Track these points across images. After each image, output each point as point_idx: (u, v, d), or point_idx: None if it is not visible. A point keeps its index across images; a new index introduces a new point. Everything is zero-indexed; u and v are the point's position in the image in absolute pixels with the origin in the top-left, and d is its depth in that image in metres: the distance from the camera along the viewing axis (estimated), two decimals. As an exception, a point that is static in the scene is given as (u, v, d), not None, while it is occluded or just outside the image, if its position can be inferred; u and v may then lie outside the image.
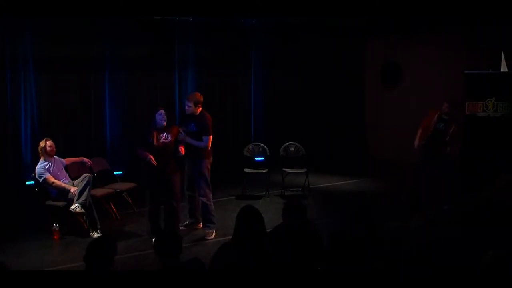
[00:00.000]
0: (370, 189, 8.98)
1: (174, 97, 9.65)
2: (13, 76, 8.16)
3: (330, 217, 6.90)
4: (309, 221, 4.23)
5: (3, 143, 8.18)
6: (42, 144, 6.54)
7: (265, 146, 8.78)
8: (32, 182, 7.04)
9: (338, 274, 3.40)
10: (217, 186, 6.89)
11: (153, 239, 5.48)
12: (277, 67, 10.61)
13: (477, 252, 3.32)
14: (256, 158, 8.96)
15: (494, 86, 7.90)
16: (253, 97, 10.57)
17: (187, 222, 6.65)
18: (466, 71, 8.17)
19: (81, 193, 6.29)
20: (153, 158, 5.91)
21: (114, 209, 7.16)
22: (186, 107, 6.29)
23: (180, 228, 6.37)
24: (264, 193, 8.33)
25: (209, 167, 6.40)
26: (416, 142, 7.61)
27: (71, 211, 6.24)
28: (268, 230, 3.94)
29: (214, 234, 6.39)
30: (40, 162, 6.51)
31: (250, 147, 8.86)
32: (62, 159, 6.79)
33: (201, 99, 6.27)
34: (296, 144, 8.84)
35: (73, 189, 6.35)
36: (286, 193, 8.36)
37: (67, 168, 6.82)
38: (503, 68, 8.02)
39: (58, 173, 6.58)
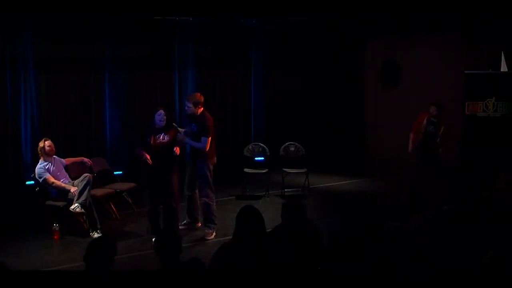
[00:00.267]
0: (370, 189, 8.98)
1: (174, 97, 9.66)
2: (13, 76, 8.17)
3: (330, 217, 6.90)
4: (309, 221, 4.24)
5: (3, 143, 8.18)
6: (41, 144, 6.54)
7: (265, 146, 8.78)
8: (32, 182, 7.04)
9: (338, 274, 3.40)
10: (217, 186, 6.87)
11: (153, 239, 5.51)
12: (277, 67, 10.61)
13: (477, 252, 3.32)
14: (256, 158, 8.96)
15: (494, 86, 7.90)
16: (253, 97, 10.57)
17: (185, 222, 6.65)
18: (466, 71, 8.17)
19: (81, 193, 6.29)
20: (149, 158, 5.91)
21: (114, 209, 7.16)
22: (186, 108, 6.28)
23: (179, 227, 6.37)
24: (264, 193, 8.33)
25: (211, 167, 6.38)
26: (410, 147, 7.72)
27: (71, 211, 6.24)
28: (268, 230, 3.93)
29: (214, 234, 6.39)
30: (40, 162, 6.51)
31: (250, 147, 8.86)
32: (62, 159, 6.79)
33: (202, 99, 6.25)
34: (296, 144, 8.84)
35: (73, 189, 6.35)
36: (286, 193, 8.36)
37: (67, 168, 6.82)
38: (503, 68, 8.02)
39: (58, 173, 6.58)
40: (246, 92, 10.53)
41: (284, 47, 10.61)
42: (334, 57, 11.02)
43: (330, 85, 11.07)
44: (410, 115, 9.97)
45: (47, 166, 6.49)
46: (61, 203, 6.42)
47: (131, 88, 9.26)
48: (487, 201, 5.55)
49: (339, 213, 7.17)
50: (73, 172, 6.86)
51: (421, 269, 3.56)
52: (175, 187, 6.18)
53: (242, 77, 10.48)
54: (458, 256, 3.78)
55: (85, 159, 6.97)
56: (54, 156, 6.63)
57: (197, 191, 6.54)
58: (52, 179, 6.42)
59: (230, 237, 3.79)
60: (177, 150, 6.00)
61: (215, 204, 6.47)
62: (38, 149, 6.55)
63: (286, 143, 8.89)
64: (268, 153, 8.74)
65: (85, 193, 6.30)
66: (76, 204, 6.22)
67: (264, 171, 8.42)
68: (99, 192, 6.93)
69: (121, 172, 8.16)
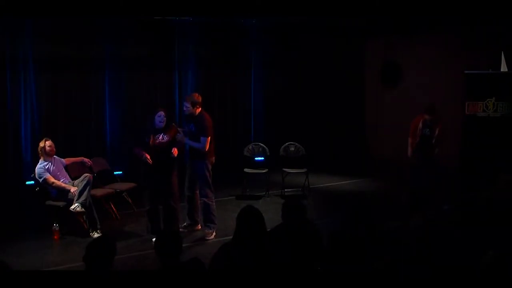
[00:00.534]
0: (370, 189, 8.98)
1: (174, 97, 9.66)
2: (13, 76, 8.17)
3: (330, 217, 6.90)
4: (309, 221, 4.23)
5: (3, 143, 8.19)
6: (41, 144, 6.54)
7: (265, 146, 8.78)
8: (32, 182, 7.03)
9: (338, 274, 3.40)
10: (217, 186, 6.88)
11: (153, 239, 5.50)
12: (277, 67, 10.61)
13: (477, 252, 3.32)
14: (256, 158, 8.96)
15: (494, 86, 7.91)
16: (253, 97, 10.57)
17: (185, 224, 6.63)
18: (466, 71, 8.18)
19: (81, 193, 6.29)
20: (148, 157, 5.91)
21: (114, 209, 7.16)
22: (184, 108, 6.27)
23: (180, 229, 6.35)
24: (264, 193, 8.33)
25: (210, 167, 6.38)
26: (409, 151, 7.74)
27: (71, 211, 6.24)
28: (268, 230, 3.93)
29: (214, 234, 6.39)
30: (40, 162, 6.51)
31: (250, 147, 8.86)
32: (62, 159, 6.79)
33: (200, 99, 6.24)
34: (296, 144, 8.84)
35: (73, 189, 6.35)
36: (286, 193, 8.36)
37: (67, 168, 6.82)
38: (503, 68, 8.03)
39: (58, 173, 6.58)
40: (246, 92, 10.53)
41: (284, 47, 10.60)
42: (334, 57, 11.02)
43: (330, 85, 11.07)
44: (410, 115, 9.96)
45: (47, 166, 6.50)
46: (61, 203, 6.42)
47: (131, 88, 9.26)
48: (487, 201, 5.56)
49: (339, 213, 7.17)
50: (73, 172, 6.86)
51: (421, 269, 3.56)
52: (175, 187, 6.17)
53: (242, 77, 10.48)
54: (458, 256, 3.78)
55: (85, 159, 6.97)
56: (54, 156, 6.63)
57: (197, 192, 6.53)
58: (52, 179, 6.42)
59: (230, 237, 3.78)
60: (175, 151, 5.98)
61: (214, 204, 6.47)
62: (39, 149, 6.55)
63: (286, 143, 8.89)
64: (268, 153, 8.74)
65: (85, 193, 6.30)
66: (77, 204, 6.22)
67: (264, 171, 8.42)
68: (99, 192, 6.92)
69: (121, 172, 8.17)
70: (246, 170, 8.46)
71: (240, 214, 3.73)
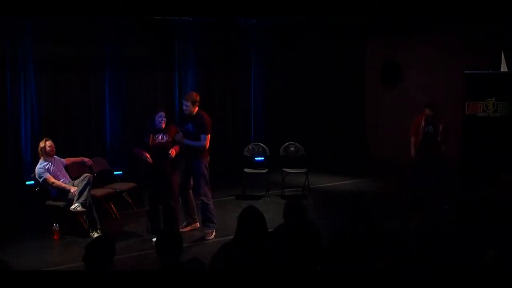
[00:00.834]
0: (370, 189, 8.98)
1: (174, 97, 9.65)
2: (13, 76, 8.17)
3: (330, 217, 6.90)
4: (309, 221, 4.23)
5: (3, 143, 8.19)
6: (41, 144, 6.54)
7: (265, 146, 8.78)
8: (32, 182, 7.04)
9: (338, 274, 3.40)
10: (217, 186, 6.90)
11: (153, 239, 5.50)
12: (277, 67, 10.61)
13: (477, 252, 3.32)
14: (256, 158, 8.96)
15: (494, 86, 7.91)
16: (253, 97, 10.57)
17: (185, 224, 6.62)
18: (466, 71, 8.18)
19: (81, 193, 6.29)
20: (148, 156, 5.91)
21: (114, 209, 7.16)
22: (184, 107, 6.25)
23: (180, 229, 6.35)
24: (264, 193, 8.33)
25: (207, 166, 6.39)
26: (412, 150, 7.75)
27: (71, 211, 6.24)
28: (269, 230, 3.93)
29: (214, 234, 6.39)
30: (40, 162, 6.51)
31: (250, 147, 8.86)
32: (62, 159, 6.78)
33: (198, 98, 6.24)
34: (296, 144, 8.84)
35: (73, 189, 6.34)
36: (286, 193, 8.36)
37: (67, 168, 6.82)
38: (503, 68, 8.03)
39: (58, 173, 6.58)
40: (246, 92, 10.53)
41: (284, 47, 10.60)
42: (334, 57, 11.02)
43: (330, 85, 11.07)
44: (410, 115, 9.96)
45: (47, 166, 6.49)
46: (61, 203, 6.42)
47: (131, 88, 9.26)
48: (487, 201, 5.56)
49: (339, 213, 7.17)
50: (73, 172, 6.86)
51: (421, 269, 3.56)
52: (175, 187, 6.17)
53: (242, 77, 10.48)
54: (458, 256, 3.78)
55: (85, 159, 6.97)
56: (54, 156, 6.63)
57: (190, 191, 6.53)
58: (52, 179, 6.42)
59: (230, 237, 3.78)
60: (172, 151, 5.97)
61: (212, 203, 6.47)
62: (39, 149, 6.55)
63: (286, 143, 8.90)
64: (268, 153, 8.74)
65: (85, 193, 6.30)
66: (77, 204, 6.22)
67: (264, 171, 8.42)
68: (99, 192, 6.92)
69: (121, 172, 8.17)
70: (246, 170, 8.46)
71: (241, 215, 3.73)
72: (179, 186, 6.37)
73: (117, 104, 9.08)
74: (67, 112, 8.72)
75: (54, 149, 6.59)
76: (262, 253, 3.60)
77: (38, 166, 6.48)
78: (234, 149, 9.67)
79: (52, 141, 6.65)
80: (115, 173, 7.89)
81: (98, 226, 6.40)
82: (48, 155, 6.52)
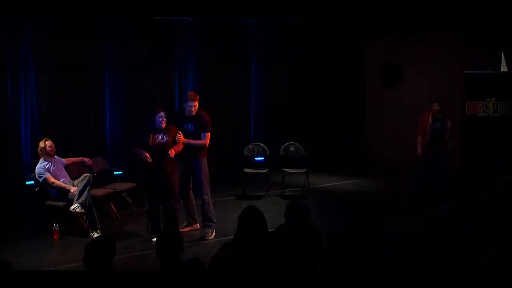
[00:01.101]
0: (370, 189, 8.98)
1: (174, 97, 9.65)
2: (13, 76, 8.17)
3: (330, 217, 6.90)
4: (310, 222, 4.23)
5: (3, 143, 8.19)
6: (41, 144, 6.54)
7: (265, 146, 8.78)
8: (32, 182, 7.03)
9: (338, 274, 3.40)
10: (217, 186, 6.89)
11: (153, 239, 5.50)
12: (277, 67, 10.61)
13: (477, 252, 3.32)
14: (256, 158, 8.96)
15: (494, 86, 7.91)
16: (253, 97, 10.57)
17: (185, 224, 6.62)
18: (466, 71, 8.18)
19: (81, 193, 6.28)
20: (148, 156, 5.90)
21: (114, 209, 7.16)
22: (191, 108, 6.18)
23: (180, 230, 6.34)
24: (264, 193, 8.33)
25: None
26: (419, 149, 7.75)
27: (71, 211, 6.24)
28: (271, 231, 3.93)
29: (214, 234, 6.39)
30: (40, 162, 6.51)
31: (250, 147, 8.86)
32: (62, 159, 6.78)
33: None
34: (296, 144, 8.84)
35: (73, 189, 6.34)
36: (286, 193, 8.36)
37: (67, 168, 6.81)
38: (503, 68, 8.02)
39: (58, 173, 6.58)
40: (246, 92, 10.53)
41: (284, 47, 10.60)
42: (334, 57, 11.02)
43: (330, 85, 11.07)
44: (410, 115, 10.00)
45: (47, 166, 6.49)
46: (61, 203, 6.41)
47: (131, 88, 9.26)
48: (487, 201, 5.56)
49: (339, 213, 7.16)
50: (73, 172, 6.86)
51: (421, 269, 3.56)
52: (175, 187, 6.17)
53: (242, 77, 10.47)
54: (458, 256, 3.78)
55: (85, 159, 6.96)
56: (54, 156, 6.62)
57: (191, 191, 6.53)
58: (52, 179, 6.42)
59: (230, 237, 3.78)
60: (172, 152, 5.97)
61: (211, 202, 6.48)
62: (38, 149, 6.54)
63: (286, 143, 8.90)
64: (268, 153, 8.74)
65: (85, 193, 6.30)
66: (76, 204, 6.22)
67: (264, 171, 8.42)
68: (99, 192, 6.92)
69: (121, 172, 8.16)
70: (246, 170, 8.46)
71: (241, 215, 3.73)
72: (179, 187, 6.38)
73: (117, 104, 9.08)
74: (67, 112, 8.72)
75: (54, 149, 6.59)
76: (262, 253, 3.60)
77: (38, 166, 6.48)
78: (234, 149, 9.66)
79: (52, 141, 6.64)
80: (115, 173, 7.88)
81: (98, 226, 6.40)
82: (48, 155, 6.51)
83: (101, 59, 8.86)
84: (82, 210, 6.25)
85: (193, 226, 6.65)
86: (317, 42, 10.79)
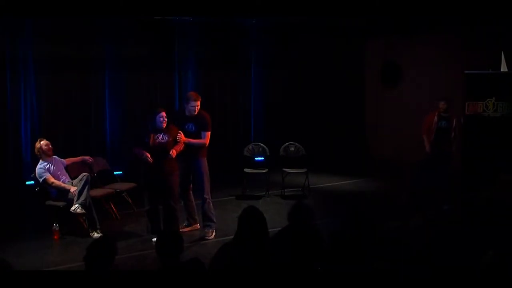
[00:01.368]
0: (370, 189, 8.97)
1: (174, 97, 9.65)
2: (13, 76, 8.17)
3: (330, 217, 6.90)
4: (313, 224, 4.22)
5: (3, 143, 8.19)
6: (37, 145, 6.51)
7: (265, 146, 8.78)
8: (32, 182, 7.03)
9: (338, 274, 3.40)
10: (217, 186, 6.88)
11: (153, 239, 5.50)
12: (277, 67, 10.61)
13: (477, 252, 3.32)
14: (256, 158, 8.96)
15: (494, 86, 7.90)
16: (253, 97, 10.57)
17: (185, 224, 6.62)
18: (466, 71, 8.17)
19: (80, 193, 6.28)
20: (149, 156, 5.90)
21: (114, 209, 7.16)
22: (193, 108, 6.18)
23: (180, 230, 6.34)
24: (264, 193, 8.33)
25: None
26: (427, 147, 7.79)
27: (71, 211, 6.24)
28: (271, 230, 3.92)
29: (214, 234, 6.39)
30: (40, 163, 6.50)
31: (250, 147, 8.86)
32: (63, 159, 6.78)
33: None
34: (296, 144, 8.84)
35: (73, 189, 6.34)
36: (286, 193, 8.36)
37: (67, 168, 6.81)
38: (503, 68, 8.02)
39: (59, 173, 6.58)
40: (246, 92, 10.53)
41: (284, 47, 10.60)
42: (334, 57, 11.02)
43: (330, 85, 11.07)
44: (410, 115, 10.01)
45: (47, 166, 6.49)
46: (61, 203, 6.41)
47: (131, 88, 9.26)
48: (487, 201, 5.56)
49: (339, 213, 7.16)
50: (73, 172, 6.85)
51: (421, 269, 3.56)
52: (175, 187, 6.17)
53: (242, 77, 10.47)
54: (458, 256, 3.78)
55: (86, 157, 6.96)
56: (54, 156, 6.62)
57: (191, 192, 6.53)
58: (52, 179, 6.42)
59: (230, 237, 3.78)
60: (173, 152, 5.97)
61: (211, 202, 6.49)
62: (36, 151, 6.52)
63: (286, 143, 8.89)
64: (268, 153, 8.74)
65: (84, 192, 6.29)
66: (76, 205, 6.22)
67: (264, 171, 8.42)
68: (99, 192, 6.92)
69: (121, 172, 8.16)
70: (246, 170, 8.45)
71: (241, 215, 3.73)
72: (180, 187, 6.38)
73: (117, 104, 9.08)
74: (67, 112, 8.72)
75: (51, 147, 6.55)
76: (262, 253, 3.60)
77: (39, 166, 6.48)
78: (234, 149, 9.66)
79: (52, 141, 6.64)
80: (115, 173, 7.87)
81: (98, 226, 6.40)
82: (46, 155, 6.50)
83: (101, 59, 8.86)
84: (83, 211, 6.24)
85: (193, 226, 6.65)
86: (317, 42, 10.79)
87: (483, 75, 8.07)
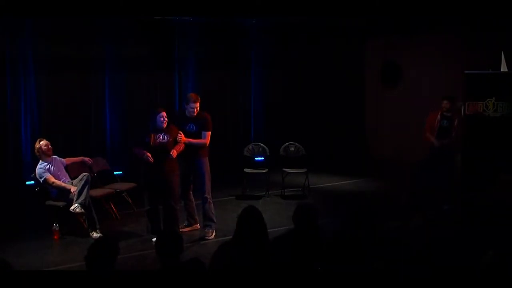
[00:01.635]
0: (370, 189, 8.97)
1: (174, 97, 9.65)
2: (13, 76, 8.17)
3: (330, 217, 6.90)
4: (317, 225, 4.21)
5: (3, 143, 8.19)
6: (37, 145, 6.51)
7: (265, 146, 8.78)
8: (32, 182, 7.04)
9: (338, 274, 3.40)
10: (217, 186, 6.87)
11: (153, 239, 5.50)
12: (277, 67, 10.61)
13: (477, 252, 3.32)
14: (256, 158, 8.96)
15: (494, 86, 7.89)
16: (253, 97, 10.57)
17: (185, 224, 6.62)
18: (466, 71, 8.16)
19: (80, 192, 6.28)
20: (150, 155, 5.90)
21: (114, 209, 7.16)
22: (193, 109, 6.19)
23: (180, 230, 6.34)
24: (264, 193, 8.33)
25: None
26: (435, 142, 7.76)
27: (70, 211, 6.24)
28: (270, 230, 3.92)
29: (214, 234, 6.39)
30: (40, 163, 6.49)
31: (250, 147, 8.86)
32: (63, 159, 6.78)
33: None
34: (296, 144, 8.84)
35: (73, 189, 6.34)
36: (286, 193, 8.36)
37: (67, 168, 6.81)
38: (503, 68, 8.01)
39: (59, 173, 6.58)
40: (246, 92, 10.53)
41: (284, 47, 10.60)
42: (334, 57, 11.02)
43: (330, 85, 11.06)
44: (410, 115, 10.00)
45: (48, 166, 6.49)
46: (61, 203, 6.41)
47: (131, 88, 9.26)
48: (487, 201, 5.57)
49: (339, 213, 7.16)
50: (73, 172, 6.85)
51: (421, 269, 3.56)
52: (176, 187, 6.17)
53: (242, 77, 10.47)
54: (458, 256, 3.78)
55: (86, 158, 6.96)
56: (54, 156, 6.62)
57: (191, 192, 6.53)
58: (52, 179, 6.42)
59: (230, 237, 3.79)
60: (174, 152, 5.97)
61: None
62: (35, 151, 6.52)
63: (286, 143, 8.89)
64: (268, 153, 8.74)
65: (84, 192, 6.29)
66: (76, 205, 6.21)
67: (264, 171, 8.42)
68: (99, 192, 6.93)
69: (121, 172, 8.16)
70: (246, 170, 8.45)
71: (241, 215, 3.73)
72: (180, 187, 6.38)
73: (117, 104, 9.08)
74: (67, 112, 8.72)
75: (51, 147, 6.56)
76: (262, 253, 3.60)
77: (39, 166, 6.48)
78: (234, 149, 9.67)
79: (52, 141, 6.64)
80: (115, 173, 7.88)
81: (97, 226, 6.40)
82: (46, 155, 6.50)
83: (101, 59, 8.86)
84: (82, 210, 6.24)
85: (194, 226, 6.65)
86: (317, 42, 10.79)
87: (483, 75, 8.06)
